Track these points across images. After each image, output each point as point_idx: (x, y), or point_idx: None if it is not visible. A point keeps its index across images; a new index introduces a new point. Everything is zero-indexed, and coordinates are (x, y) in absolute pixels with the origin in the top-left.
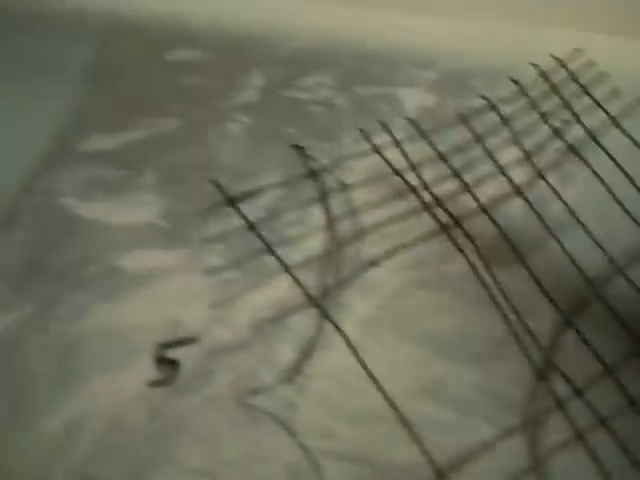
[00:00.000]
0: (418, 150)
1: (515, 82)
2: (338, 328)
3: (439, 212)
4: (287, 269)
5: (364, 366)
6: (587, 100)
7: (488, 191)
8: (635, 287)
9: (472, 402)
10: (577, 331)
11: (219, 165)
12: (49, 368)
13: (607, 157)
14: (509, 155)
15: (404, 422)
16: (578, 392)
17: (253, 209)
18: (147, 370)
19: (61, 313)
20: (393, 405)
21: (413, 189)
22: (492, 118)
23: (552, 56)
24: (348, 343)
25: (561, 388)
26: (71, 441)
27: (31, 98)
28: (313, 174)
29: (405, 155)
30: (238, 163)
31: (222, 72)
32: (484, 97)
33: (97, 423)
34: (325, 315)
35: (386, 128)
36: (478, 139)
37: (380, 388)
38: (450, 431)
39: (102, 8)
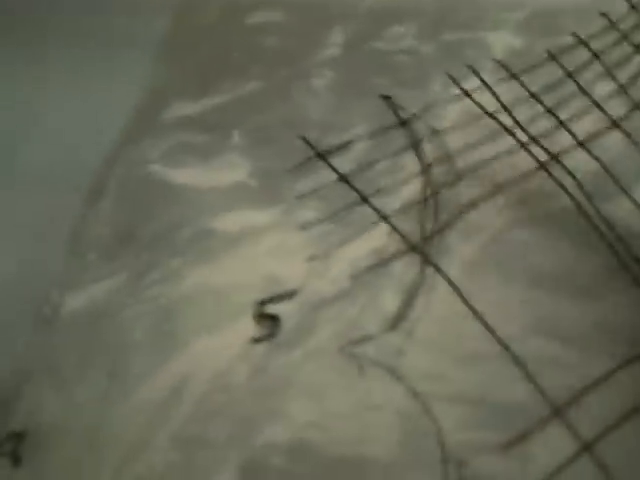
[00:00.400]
0: (509, 92)
1: (605, 16)
2: (441, 271)
3: (536, 150)
4: (384, 217)
5: (470, 307)
6: None
7: (585, 126)
8: None
9: (584, 336)
10: None
11: (307, 121)
12: (148, 334)
13: None
14: (603, 89)
15: (516, 360)
16: None
17: (345, 162)
18: (248, 328)
19: (156, 278)
20: (503, 344)
21: (508, 129)
22: (583, 54)
23: None
24: (452, 285)
25: None
26: (175, 404)
27: (112, 69)
28: (403, 123)
29: (497, 97)
30: (326, 118)
31: (303, 31)
32: (574, 34)
33: (200, 384)
34: (427, 259)
35: (475, 72)
36: (570, 75)
37: (488, 327)
38: (564, 366)
39: None
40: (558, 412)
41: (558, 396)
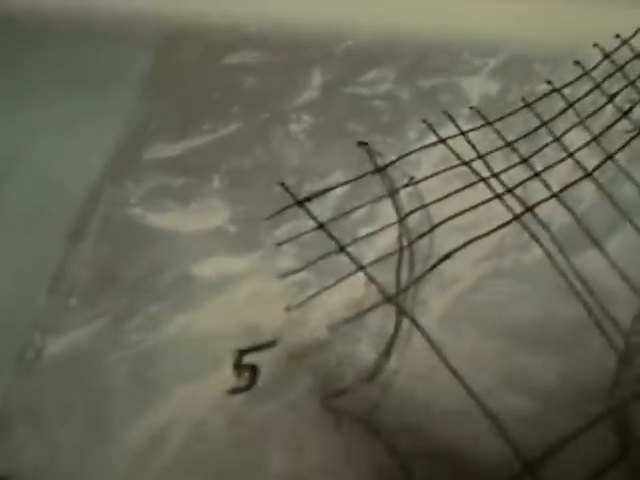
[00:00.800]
0: (485, 139)
1: (579, 64)
2: (416, 324)
3: (511, 200)
4: (361, 267)
5: (445, 362)
6: None
7: (558, 176)
8: None
9: (556, 392)
10: None
11: (285, 166)
12: (127, 380)
13: None
14: (577, 139)
15: (490, 416)
16: None
17: (323, 209)
18: (227, 377)
19: (136, 324)
20: (477, 399)
21: (483, 179)
22: (558, 102)
23: (616, 36)
24: (427, 339)
25: None
26: (153, 453)
27: (92, 110)
28: (380, 170)
29: (472, 145)
30: (303, 163)
31: (282, 73)
32: (549, 82)
33: (179, 434)
34: (402, 312)
35: (451, 119)
36: (545, 124)
37: (463, 383)
38: (536, 423)
39: (158, 15)
40: (530, 469)
41: (530, 452)
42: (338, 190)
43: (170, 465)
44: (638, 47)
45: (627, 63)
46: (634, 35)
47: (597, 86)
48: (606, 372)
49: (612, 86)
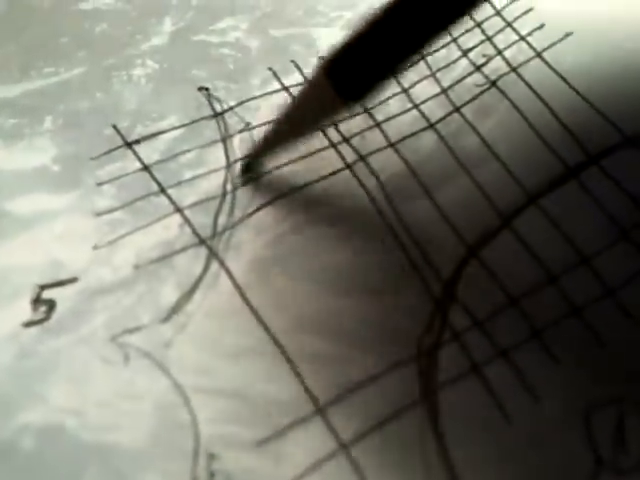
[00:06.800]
0: None
1: None
2: (224, 265)
3: (345, 149)
4: (178, 209)
5: (247, 302)
6: (511, 34)
7: (400, 127)
8: (547, 216)
9: (363, 336)
10: (481, 262)
11: (122, 110)
12: None
13: (527, 88)
14: (426, 92)
15: (285, 357)
16: (477, 323)
17: (152, 152)
18: (23, 311)
19: None
20: (275, 340)
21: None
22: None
23: None
24: (233, 280)
25: (460, 320)
26: None
27: None
28: (217, 115)
29: None
30: (141, 107)
31: (134, 20)
32: None
33: None
34: (213, 254)
35: (297, 67)
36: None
37: (262, 323)
38: (336, 366)
39: None
40: (319, 411)
41: (322, 395)
42: (170, 134)
43: None
44: (498, 3)
45: (486, 20)
46: None
47: (453, 40)
48: (418, 319)
49: (468, 41)
